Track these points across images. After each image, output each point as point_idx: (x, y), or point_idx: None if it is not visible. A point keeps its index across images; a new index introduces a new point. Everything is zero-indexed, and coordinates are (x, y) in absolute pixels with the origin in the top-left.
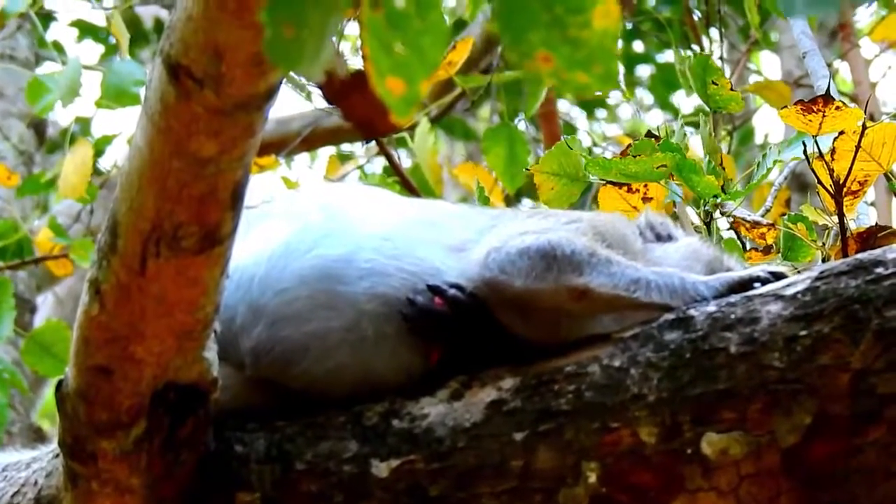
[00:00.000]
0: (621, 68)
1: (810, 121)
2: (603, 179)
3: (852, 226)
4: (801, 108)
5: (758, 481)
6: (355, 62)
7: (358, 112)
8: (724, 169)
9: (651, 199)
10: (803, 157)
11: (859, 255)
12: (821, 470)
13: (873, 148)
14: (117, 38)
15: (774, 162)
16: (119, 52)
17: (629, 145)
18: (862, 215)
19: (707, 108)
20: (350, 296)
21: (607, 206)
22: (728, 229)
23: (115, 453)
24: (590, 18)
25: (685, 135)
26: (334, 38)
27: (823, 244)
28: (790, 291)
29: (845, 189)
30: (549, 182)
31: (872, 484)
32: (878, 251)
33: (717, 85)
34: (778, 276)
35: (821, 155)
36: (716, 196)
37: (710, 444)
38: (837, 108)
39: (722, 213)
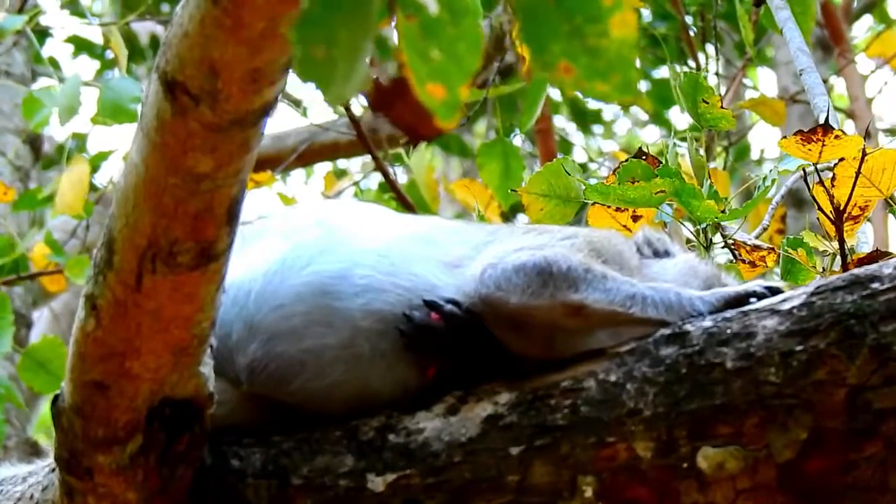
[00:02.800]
0: None
1: (810, 150)
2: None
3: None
4: (801, 138)
5: (754, 496)
6: (393, 70)
7: (403, 118)
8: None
9: (640, 216)
10: (802, 180)
11: (855, 271)
12: (817, 485)
13: (873, 174)
14: (116, 53)
15: (773, 181)
16: (117, 67)
17: (619, 165)
18: (860, 233)
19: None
20: (346, 312)
21: (597, 224)
22: (722, 247)
23: (111, 468)
24: (608, 27)
25: (677, 154)
26: (368, 56)
27: (823, 269)
28: (786, 306)
29: (846, 215)
30: (538, 203)
31: (868, 499)
32: (874, 266)
33: (707, 103)
34: (774, 291)
35: (821, 181)
36: (716, 218)
37: (706, 459)
38: (837, 136)
39: (722, 236)
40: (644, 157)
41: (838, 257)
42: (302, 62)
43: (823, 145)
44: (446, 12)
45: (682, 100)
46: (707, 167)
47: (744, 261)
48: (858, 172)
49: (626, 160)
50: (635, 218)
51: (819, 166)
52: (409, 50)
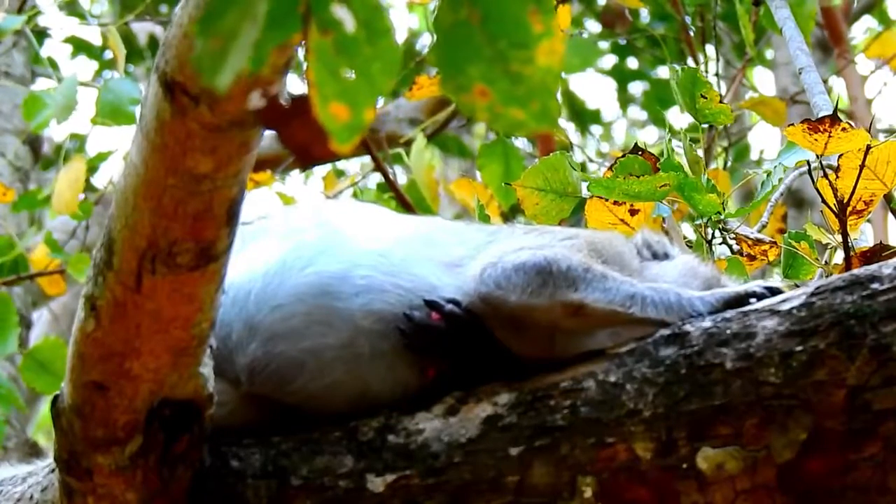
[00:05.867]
0: (614, 85)
1: (816, 140)
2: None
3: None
4: (808, 128)
5: (753, 496)
6: (296, 87)
7: (296, 138)
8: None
9: (638, 211)
10: (802, 178)
11: (855, 271)
12: (816, 485)
13: (877, 166)
14: (115, 54)
15: (780, 180)
16: (116, 68)
17: (615, 160)
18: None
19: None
20: (346, 312)
21: (594, 218)
22: (721, 243)
23: (110, 468)
24: (533, 55)
25: (672, 150)
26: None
27: (826, 262)
28: (786, 307)
29: (850, 208)
30: (533, 197)
31: (867, 500)
32: (873, 266)
33: (705, 98)
34: (774, 292)
35: (825, 174)
36: (718, 213)
37: (706, 460)
38: (843, 128)
39: (724, 231)
40: (640, 154)
41: (840, 251)
42: (201, 54)
43: (830, 136)
44: (363, 30)
45: (680, 95)
46: (702, 163)
47: (741, 252)
48: (863, 164)
49: (623, 156)
50: (633, 212)
51: (822, 160)
52: (318, 67)
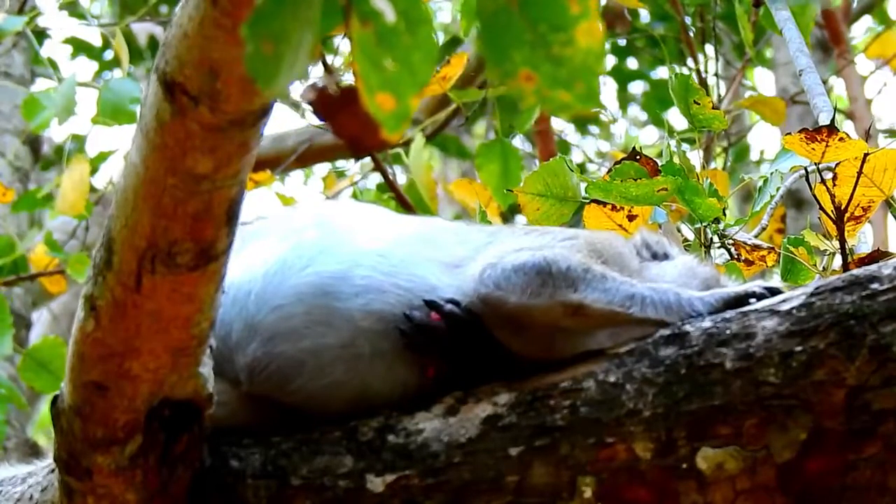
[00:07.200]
0: (614, 85)
1: (813, 149)
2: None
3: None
4: (805, 137)
5: (753, 496)
6: (346, 78)
7: (348, 128)
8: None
9: (636, 216)
10: (802, 180)
11: (855, 271)
12: (816, 486)
13: (875, 173)
14: (119, 55)
15: (777, 189)
16: (120, 68)
17: (613, 165)
18: (859, 234)
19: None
20: (346, 312)
21: (592, 224)
22: (719, 247)
23: (110, 468)
24: (573, 36)
25: (672, 153)
26: (320, 55)
27: (824, 268)
28: (785, 307)
29: (847, 214)
30: (534, 202)
31: (867, 500)
32: (873, 267)
33: (699, 104)
34: (773, 292)
35: (822, 180)
36: (717, 220)
37: (706, 460)
38: (841, 139)
39: (722, 236)
40: (637, 158)
41: (838, 256)
42: (252, 58)
43: (827, 146)
44: (403, 21)
45: (676, 102)
46: (694, 168)
47: (739, 258)
48: (860, 172)
49: (620, 161)
50: (631, 217)
51: (819, 166)
52: (361, 58)
